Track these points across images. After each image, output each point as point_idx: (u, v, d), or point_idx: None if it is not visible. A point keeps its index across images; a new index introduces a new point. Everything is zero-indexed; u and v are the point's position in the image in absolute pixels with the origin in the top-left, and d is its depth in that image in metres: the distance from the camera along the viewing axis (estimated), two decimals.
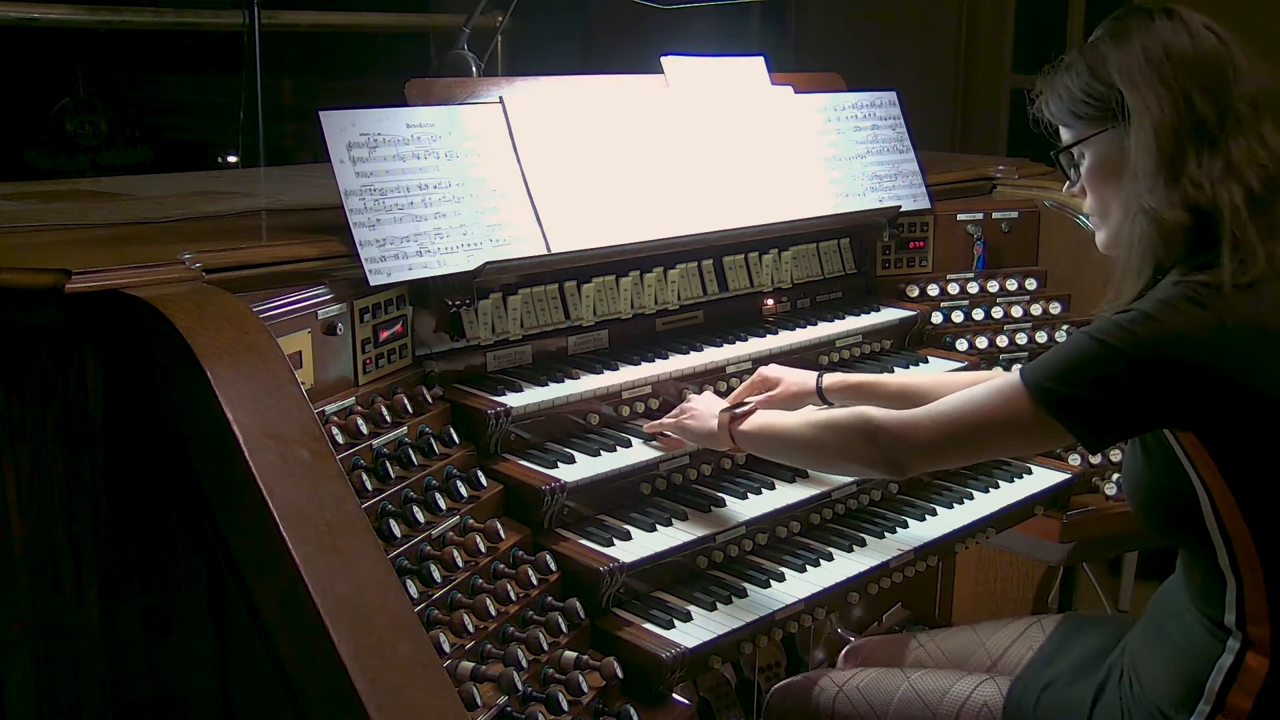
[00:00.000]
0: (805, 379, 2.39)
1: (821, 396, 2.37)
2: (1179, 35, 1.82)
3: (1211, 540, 1.78)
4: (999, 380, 1.87)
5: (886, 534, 2.33)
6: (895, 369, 2.76)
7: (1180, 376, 1.71)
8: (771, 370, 2.42)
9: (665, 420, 2.28)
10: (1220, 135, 1.77)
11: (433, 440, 2.03)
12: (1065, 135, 1.96)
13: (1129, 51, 1.83)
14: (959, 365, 2.86)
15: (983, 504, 2.52)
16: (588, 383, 2.31)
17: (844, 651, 2.49)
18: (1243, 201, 1.74)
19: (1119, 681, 1.92)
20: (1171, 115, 1.78)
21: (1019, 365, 1.85)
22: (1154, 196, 1.79)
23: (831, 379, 2.38)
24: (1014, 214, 3.16)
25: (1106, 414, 1.77)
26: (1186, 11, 1.85)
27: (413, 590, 1.78)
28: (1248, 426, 1.73)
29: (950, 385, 2.25)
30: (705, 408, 2.25)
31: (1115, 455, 2.76)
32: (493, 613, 1.83)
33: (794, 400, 2.37)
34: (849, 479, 2.37)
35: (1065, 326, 3.02)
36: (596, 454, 2.20)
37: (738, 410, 2.18)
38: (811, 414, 2.15)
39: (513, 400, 2.18)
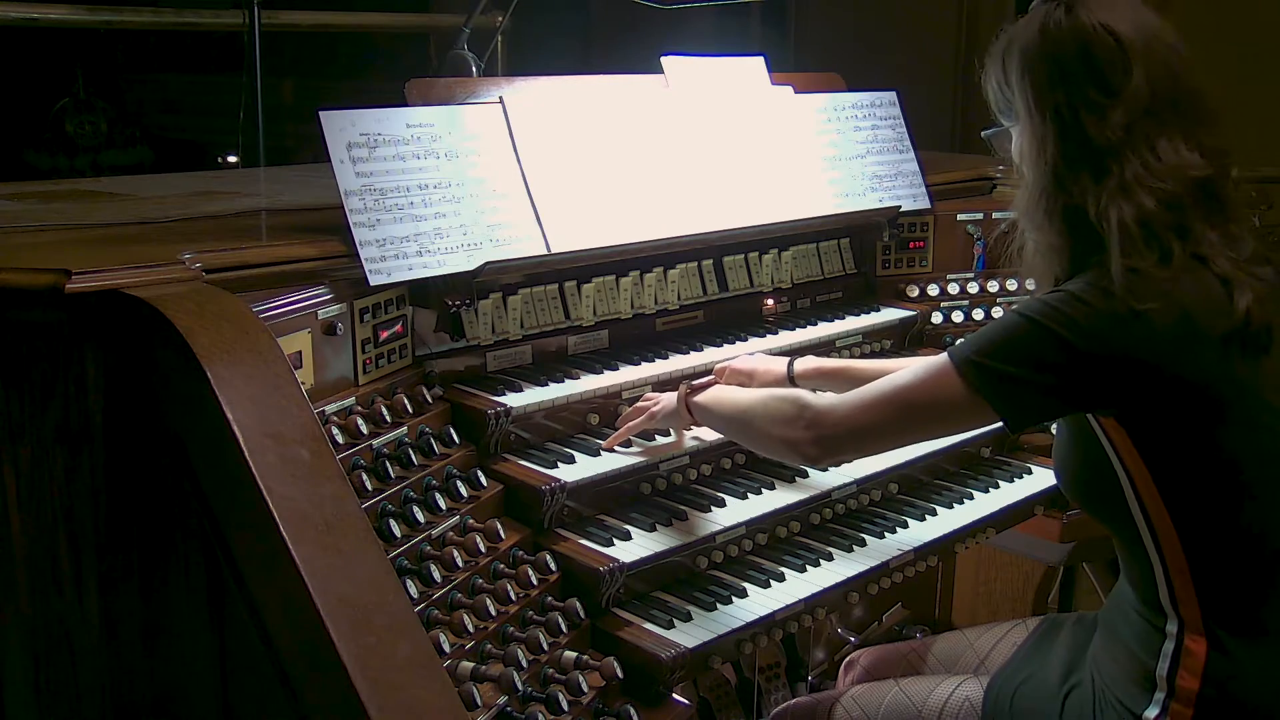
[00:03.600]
0: (776, 367, 2.37)
1: (792, 382, 2.36)
2: (1074, 38, 1.79)
3: (1135, 522, 1.82)
4: (927, 359, 1.88)
5: (886, 534, 2.33)
6: None
7: (1103, 357, 1.73)
8: (742, 363, 2.39)
9: (632, 423, 2.25)
10: (1108, 156, 1.76)
11: (433, 440, 2.03)
12: (995, 118, 1.98)
13: (1023, 56, 1.84)
14: None
15: (983, 504, 2.52)
16: (588, 383, 2.31)
17: (843, 663, 2.50)
18: (1132, 217, 1.73)
19: (1091, 679, 1.95)
20: (1054, 134, 1.79)
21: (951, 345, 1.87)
22: (1031, 218, 1.84)
23: (802, 365, 2.36)
24: (1014, 214, 3.15)
25: (1029, 391, 1.77)
26: (1088, 10, 1.81)
27: (413, 590, 1.78)
28: (1165, 409, 1.75)
29: None
30: (670, 393, 2.25)
31: None
32: (493, 613, 1.83)
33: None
34: (847, 478, 2.37)
35: None
36: (596, 454, 2.20)
37: (695, 383, 2.18)
38: (757, 389, 2.16)
39: (513, 400, 2.18)
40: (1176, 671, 1.81)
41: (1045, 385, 1.76)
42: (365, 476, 1.85)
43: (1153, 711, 1.82)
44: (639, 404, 2.29)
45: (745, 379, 2.37)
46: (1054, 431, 2.65)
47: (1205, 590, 1.80)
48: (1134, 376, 1.73)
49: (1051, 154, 1.81)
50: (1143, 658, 1.85)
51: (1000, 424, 1.82)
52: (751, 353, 2.53)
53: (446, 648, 1.73)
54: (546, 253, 2.31)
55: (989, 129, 1.99)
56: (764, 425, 2.01)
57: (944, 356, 1.83)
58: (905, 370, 1.90)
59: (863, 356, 2.82)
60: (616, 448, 2.23)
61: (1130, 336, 1.72)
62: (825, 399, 1.96)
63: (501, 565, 1.96)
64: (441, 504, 1.94)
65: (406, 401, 2.05)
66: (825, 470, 2.38)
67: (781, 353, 2.59)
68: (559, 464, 2.14)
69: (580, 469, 2.14)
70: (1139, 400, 1.75)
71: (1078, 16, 1.80)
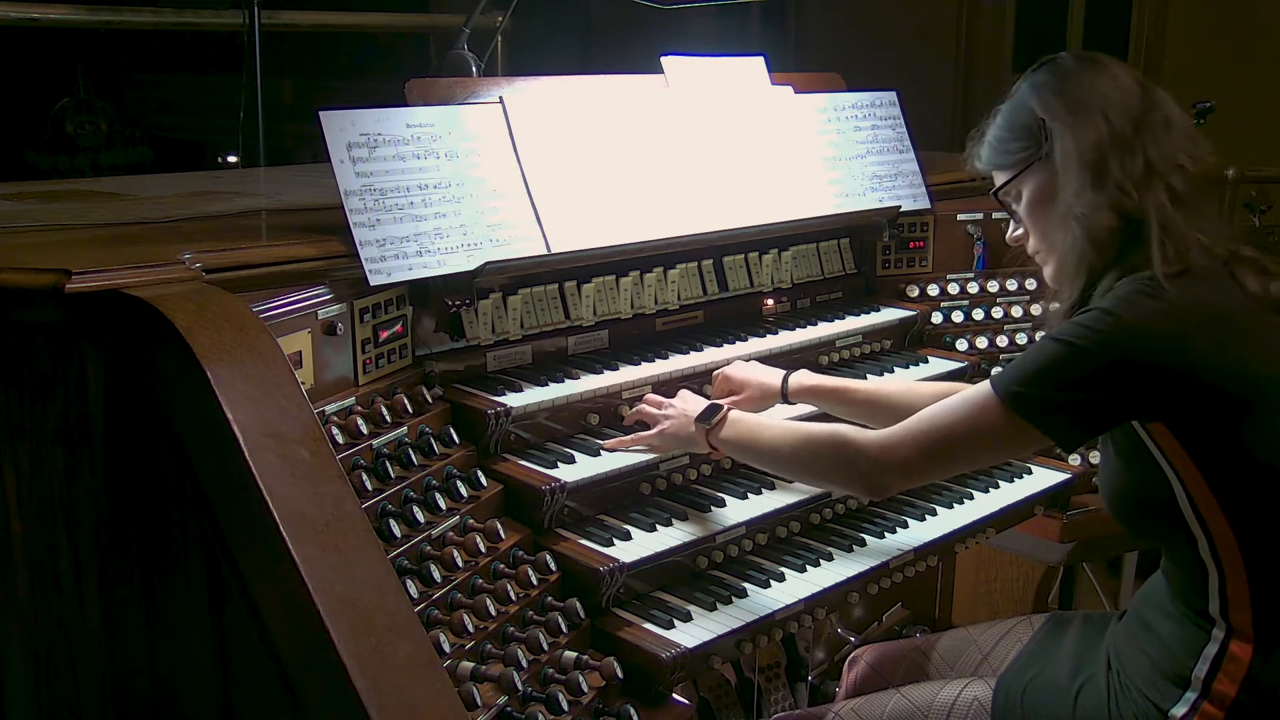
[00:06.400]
0: (770, 380, 2.38)
1: (785, 399, 2.37)
2: (1096, 72, 1.95)
3: (1190, 531, 1.83)
4: (969, 392, 1.91)
5: (886, 534, 2.33)
6: (895, 369, 2.76)
7: (1143, 367, 1.76)
8: (735, 371, 2.41)
9: (642, 434, 2.23)
10: (1137, 142, 1.87)
11: (433, 440, 2.03)
12: (1000, 179, 2.07)
13: (1049, 88, 1.97)
14: (959, 365, 2.86)
15: (983, 504, 2.52)
16: (588, 383, 2.31)
17: (847, 660, 2.50)
18: (1167, 199, 1.84)
19: (1106, 673, 1.96)
20: (1092, 131, 1.89)
21: (991, 375, 1.90)
22: (1081, 202, 1.89)
23: (797, 382, 2.37)
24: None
25: (1078, 412, 1.81)
26: (1103, 56, 2.00)
27: (413, 590, 1.78)
28: (1210, 412, 1.78)
29: (918, 393, 2.28)
30: (683, 407, 2.23)
31: None
32: (493, 613, 1.83)
33: (761, 403, 2.38)
34: None
35: None
36: (596, 454, 2.20)
37: (714, 420, 2.15)
38: (789, 427, 2.14)
39: (513, 400, 2.18)
40: (1216, 675, 1.81)
41: (1090, 404, 1.80)
42: (365, 476, 1.85)
43: (1180, 710, 1.83)
44: (644, 407, 2.28)
45: (737, 389, 2.38)
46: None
47: (1261, 596, 1.80)
48: (1174, 382, 1.76)
49: (1090, 153, 1.89)
50: (1180, 656, 1.85)
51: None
52: (753, 353, 2.54)
53: (446, 648, 1.73)
54: (546, 253, 2.31)
55: (998, 189, 2.07)
56: (816, 468, 2.06)
57: (987, 390, 1.86)
58: (949, 403, 1.91)
59: (863, 357, 2.82)
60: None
61: (1166, 343, 1.76)
62: (869, 436, 1.97)
63: (501, 565, 1.96)
64: (441, 504, 1.94)
65: (406, 401, 2.05)
66: None
67: (781, 353, 2.60)
68: (559, 464, 2.14)
69: (580, 469, 2.14)
70: (1183, 405, 1.78)
71: (1089, 58, 2.01)
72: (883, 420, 2.20)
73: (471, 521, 1.98)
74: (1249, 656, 1.80)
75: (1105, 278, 1.87)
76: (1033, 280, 3.09)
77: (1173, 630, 1.88)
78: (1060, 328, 1.84)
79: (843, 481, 2.04)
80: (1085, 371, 1.78)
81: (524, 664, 1.78)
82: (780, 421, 2.19)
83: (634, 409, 2.30)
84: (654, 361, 2.44)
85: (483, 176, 2.28)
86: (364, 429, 1.94)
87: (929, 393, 2.28)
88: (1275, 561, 1.80)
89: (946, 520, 2.43)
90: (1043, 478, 2.65)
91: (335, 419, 1.92)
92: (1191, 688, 1.83)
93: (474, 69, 2.79)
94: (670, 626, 1.97)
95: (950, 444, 1.90)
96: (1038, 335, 3.00)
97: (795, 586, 2.13)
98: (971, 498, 2.53)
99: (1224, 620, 1.83)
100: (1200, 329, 1.76)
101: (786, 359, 2.56)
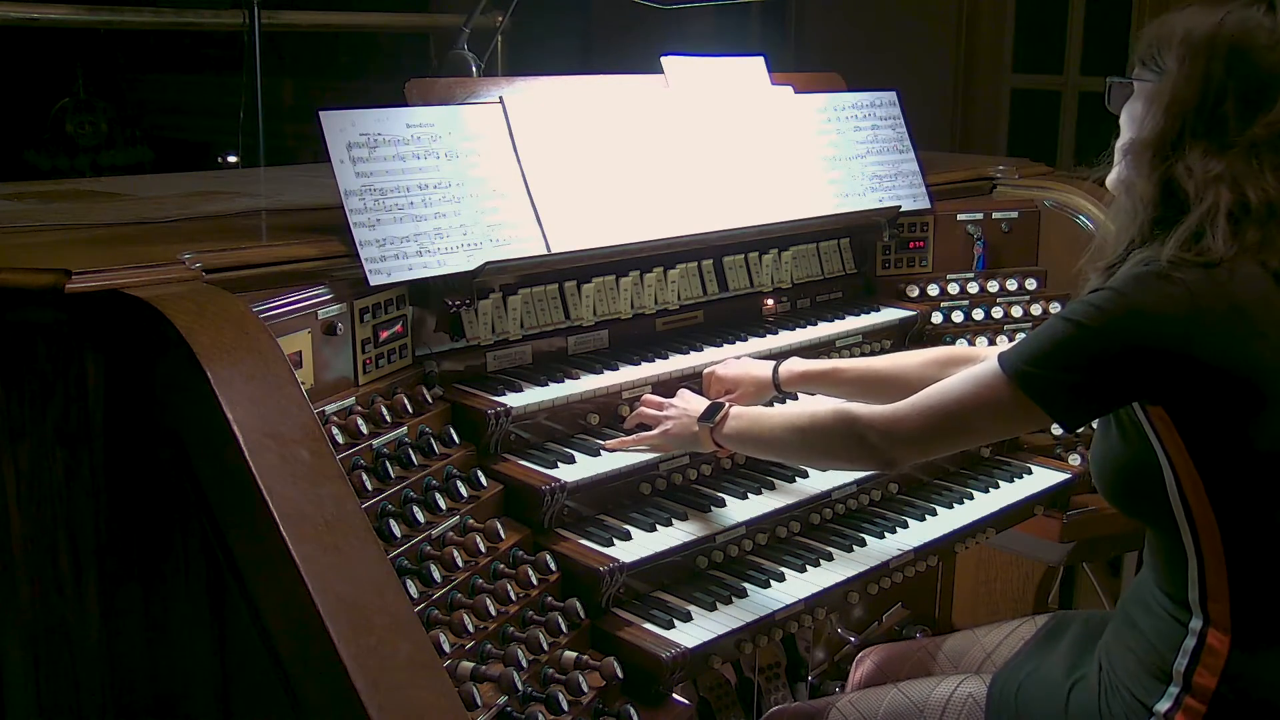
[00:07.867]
0: (761, 373, 2.39)
1: (779, 389, 2.38)
2: (1257, 33, 1.80)
3: (1174, 516, 1.82)
4: (978, 368, 1.90)
5: (886, 534, 2.33)
6: None
7: (1150, 352, 1.75)
8: (726, 370, 2.41)
9: (645, 435, 2.24)
10: (1229, 145, 1.78)
11: (433, 440, 2.03)
12: (1130, 70, 1.97)
13: (1203, 22, 1.82)
14: None
15: (983, 504, 2.52)
16: (588, 383, 2.31)
17: (855, 661, 2.49)
18: (1228, 204, 1.76)
19: (1098, 671, 1.96)
20: (1193, 100, 1.80)
21: (998, 352, 1.89)
22: (1133, 164, 1.84)
23: (788, 370, 2.38)
24: (1014, 214, 3.16)
25: (1082, 392, 1.81)
26: None
27: (413, 590, 1.78)
28: (1213, 402, 1.77)
29: (909, 364, 2.29)
30: (684, 407, 2.23)
31: None
32: (493, 613, 1.83)
33: (756, 397, 2.38)
34: (848, 479, 2.37)
35: None
36: (596, 454, 2.20)
37: (717, 417, 2.15)
38: (792, 413, 2.15)
39: (513, 400, 2.18)
40: (1195, 668, 1.81)
41: (1093, 385, 1.80)
42: (365, 476, 1.85)
43: (1164, 705, 1.82)
44: (644, 409, 2.28)
45: (730, 387, 2.38)
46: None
47: (1240, 587, 1.80)
48: (1178, 368, 1.75)
49: (1178, 116, 1.81)
50: (1161, 650, 1.85)
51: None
52: (753, 353, 2.54)
53: (446, 648, 1.73)
54: (546, 253, 2.31)
55: (1118, 78, 1.98)
56: (827, 449, 2.06)
57: (995, 368, 1.85)
58: (958, 379, 1.91)
59: (862, 357, 2.82)
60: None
61: (1174, 329, 1.74)
62: (877, 411, 1.97)
63: (501, 565, 1.96)
64: (441, 504, 1.94)
65: (406, 401, 2.05)
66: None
67: (781, 353, 2.59)
68: (559, 464, 2.14)
69: (580, 469, 2.14)
70: (1186, 392, 1.76)
71: (1275, 19, 1.81)
72: (879, 395, 2.21)
73: (471, 521, 1.98)
74: (1226, 649, 1.80)
75: (1143, 250, 1.82)
76: (1033, 280, 3.09)
77: (1153, 625, 1.88)
78: (1070, 306, 1.83)
79: (855, 458, 2.04)
80: (1090, 352, 1.78)
81: (524, 664, 1.78)
82: (783, 409, 2.19)
83: (634, 412, 2.30)
84: (654, 361, 2.44)
85: (483, 176, 2.28)
86: (364, 429, 1.95)
87: (919, 361, 2.30)
88: (1256, 554, 1.80)
89: (946, 520, 2.43)
90: (1043, 478, 2.65)
91: (335, 419, 1.92)
92: (1174, 682, 1.82)
93: (474, 69, 2.79)
94: (670, 626, 1.97)
95: (958, 419, 1.90)
96: None
97: (795, 586, 2.13)
98: (971, 498, 2.53)
99: (1202, 610, 1.82)
100: (1215, 319, 1.74)
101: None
